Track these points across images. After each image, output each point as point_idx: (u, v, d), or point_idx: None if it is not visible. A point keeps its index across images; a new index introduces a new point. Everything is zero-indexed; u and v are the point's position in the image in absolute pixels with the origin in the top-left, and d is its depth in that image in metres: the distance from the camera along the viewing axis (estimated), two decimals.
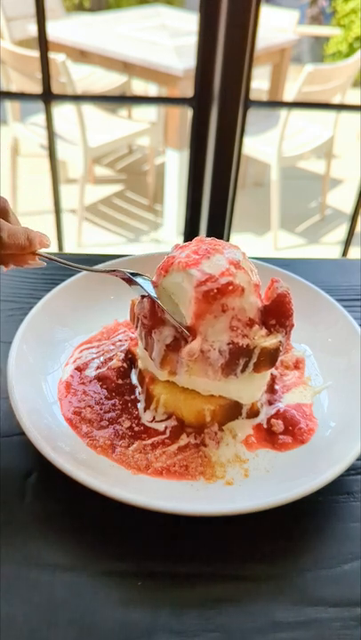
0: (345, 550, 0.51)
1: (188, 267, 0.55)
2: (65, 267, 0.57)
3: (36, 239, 0.53)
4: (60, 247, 2.03)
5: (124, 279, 0.59)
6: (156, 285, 0.59)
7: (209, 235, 1.74)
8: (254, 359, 0.57)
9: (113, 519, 0.52)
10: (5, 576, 0.48)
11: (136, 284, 0.58)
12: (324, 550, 0.51)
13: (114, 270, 0.59)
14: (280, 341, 0.58)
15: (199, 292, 0.54)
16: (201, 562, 0.50)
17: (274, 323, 0.58)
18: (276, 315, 0.58)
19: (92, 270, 0.60)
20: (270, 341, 0.57)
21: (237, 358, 0.56)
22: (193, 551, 0.51)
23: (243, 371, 0.57)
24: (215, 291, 0.54)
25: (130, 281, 0.59)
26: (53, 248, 2.04)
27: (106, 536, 0.51)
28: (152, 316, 0.57)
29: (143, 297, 0.59)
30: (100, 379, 0.65)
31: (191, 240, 0.60)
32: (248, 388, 0.60)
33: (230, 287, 0.54)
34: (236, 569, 0.49)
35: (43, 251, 0.56)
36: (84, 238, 2.74)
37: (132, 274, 0.59)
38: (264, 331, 0.58)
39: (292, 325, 0.59)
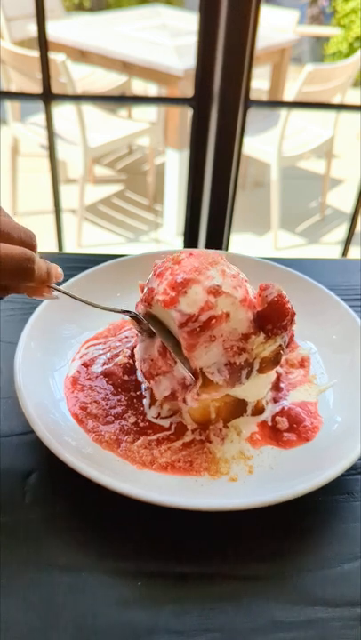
0: (345, 550, 0.51)
1: (166, 306, 0.55)
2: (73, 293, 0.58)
3: (52, 272, 0.53)
4: (60, 247, 2.03)
5: (135, 319, 0.60)
6: (144, 314, 0.59)
7: (209, 234, 1.76)
8: (256, 366, 0.57)
9: (113, 519, 0.52)
10: (5, 576, 0.48)
11: (146, 323, 0.59)
12: (324, 550, 0.51)
13: (128, 312, 0.60)
14: (280, 345, 0.57)
15: (183, 332, 0.54)
16: (201, 562, 0.50)
17: (271, 327, 0.57)
18: (271, 320, 0.57)
19: (103, 309, 0.60)
20: (269, 349, 0.57)
21: (238, 372, 0.56)
22: (193, 551, 0.51)
23: (247, 377, 0.57)
24: (198, 329, 0.54)
25: (140, 321, 0.59)
26: (53, 248, 2.04)
27: (106, 536, 0.51)
28: (152, 366, 0.59)
29: (141, 332, 0.60)
30: (107, 375, 0.65)
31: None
32: (254, 388, 0.60)
33: (213, 321, 0.54)
34: (236, 569, 0.49)
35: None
36: (84, 238, 2.74)
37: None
38: (262, 336, 0.57)
39: (293, 316, 0.58)
